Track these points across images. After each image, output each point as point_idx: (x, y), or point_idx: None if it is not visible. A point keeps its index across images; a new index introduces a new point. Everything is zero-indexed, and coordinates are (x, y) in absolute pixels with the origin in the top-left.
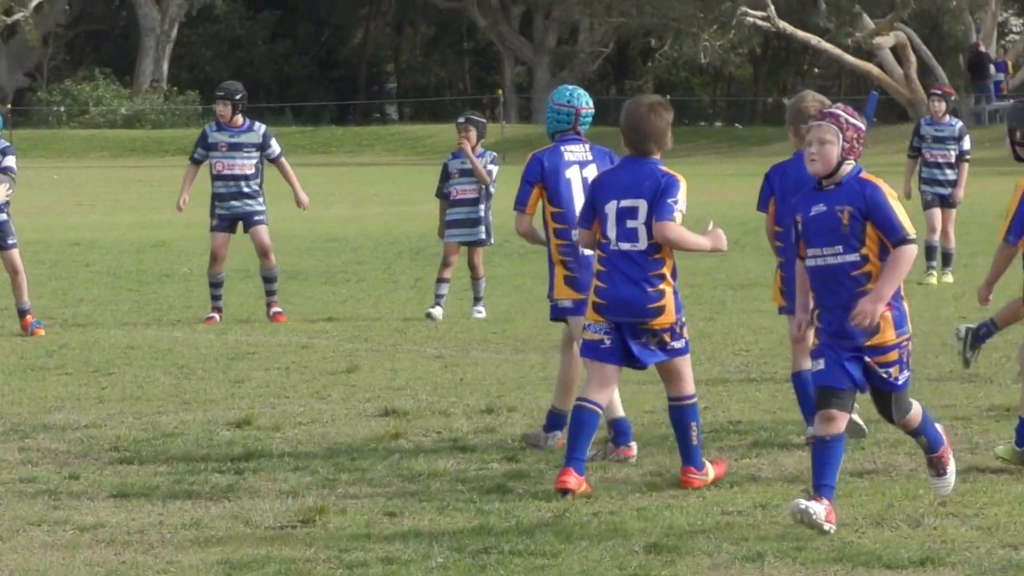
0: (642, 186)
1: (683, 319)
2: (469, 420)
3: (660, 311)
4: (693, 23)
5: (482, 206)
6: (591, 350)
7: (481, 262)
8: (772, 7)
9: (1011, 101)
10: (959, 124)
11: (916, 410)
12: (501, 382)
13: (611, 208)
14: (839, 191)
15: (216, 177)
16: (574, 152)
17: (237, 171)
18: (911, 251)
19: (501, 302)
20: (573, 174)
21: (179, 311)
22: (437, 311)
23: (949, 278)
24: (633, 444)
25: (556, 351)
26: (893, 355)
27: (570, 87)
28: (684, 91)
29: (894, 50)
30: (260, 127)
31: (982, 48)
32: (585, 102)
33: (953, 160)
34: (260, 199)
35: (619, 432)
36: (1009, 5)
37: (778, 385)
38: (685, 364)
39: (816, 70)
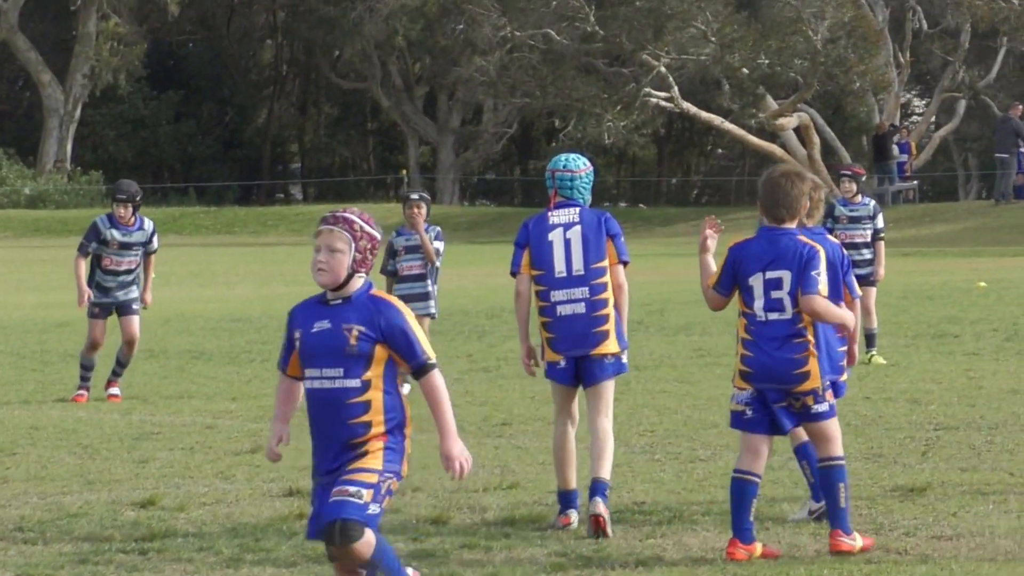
0: (786, 258)
1: (827, 383)
2: None
3: (806, 376)
4: (597, 104)
5: (429, 280)
6: (737, 420)
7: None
8: (676, 88)
9: (914, 182)
10: (872, 203)
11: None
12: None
13: (757, 281)
14: (347, 307)
15: (103, 270)
16: (561, 216)
17: (123, 267)
18: (440, 378)
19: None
20: (556, 236)
21: None
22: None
23: (880, 359)
24: (572, 513)
25: (459, 431)
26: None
27: (566, 154)
28: None
29: (797, 131)
30: (149, 224)
31: (885, 129)
32: (582, 164)
33: (869, 239)
34: (136, 286)
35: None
36: (912, 86)
37: (683, 465)
38: (831, 426)
39: (720, 151)
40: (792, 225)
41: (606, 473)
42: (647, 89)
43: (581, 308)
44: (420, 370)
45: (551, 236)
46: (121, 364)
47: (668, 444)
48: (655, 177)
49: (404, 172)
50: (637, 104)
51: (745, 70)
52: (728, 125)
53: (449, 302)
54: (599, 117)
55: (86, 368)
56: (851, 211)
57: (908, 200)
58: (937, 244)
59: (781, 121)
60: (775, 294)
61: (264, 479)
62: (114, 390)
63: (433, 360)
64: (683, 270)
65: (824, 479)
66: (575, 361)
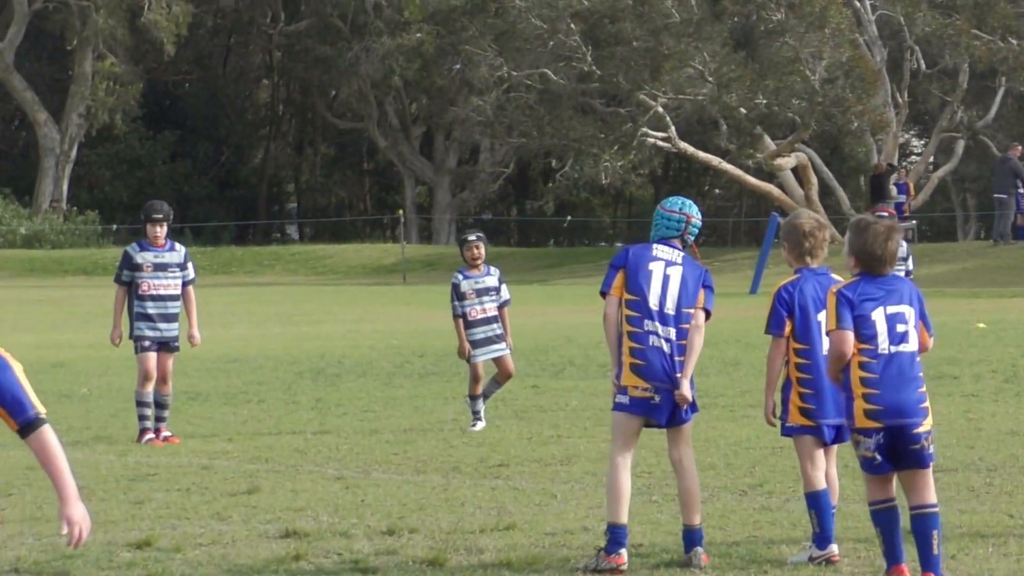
0: (903, 294)
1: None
2: (370, 542)
3: (927, 411)
4: (594, 143)
5: (499, 323)
6: (867, 466)
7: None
8: (673, 128)
9: (912, 222)
10: (905, 244)
11: None
12: (402, 503)
13: (879, 315)
14: None
15: (143, 297)
16: (665, 252)
17: (163, 291)
18: (52, 434)
19: (402, 422)
20: (656, 267)
21: (79, 431)
22: (480, 425)
23: None
24: (624, 552)
25: (456, 472)
26: None
27: (680, 197)
28: (585, 212)
29: (795, 171)
30: (181, 248)
31: (883, 169)
32: (696, 212)
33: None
34: (178, 324)
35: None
36: (910, 126)
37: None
38: (931, 472)
39: (717, 191)
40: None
41: (699, 519)
42: (644, 129)
43: (666, 347)
44: (29, 426)
45: (651, 266)
46: (161, 405)
47: (665, 486)
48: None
49: (400, 212)
50: (634, 144)
51: (742, 110)
52: (725, 165)
53: (445, 342)
54: (596, 157)
55: (143, 406)
56: None
57: (907, 240)
58: (935, 284)
59: (779, 161)
60: (900, 327)
61: (260, 520)
62: (167, 433)
63: (43, 415)
64: None
65: (921, 525)
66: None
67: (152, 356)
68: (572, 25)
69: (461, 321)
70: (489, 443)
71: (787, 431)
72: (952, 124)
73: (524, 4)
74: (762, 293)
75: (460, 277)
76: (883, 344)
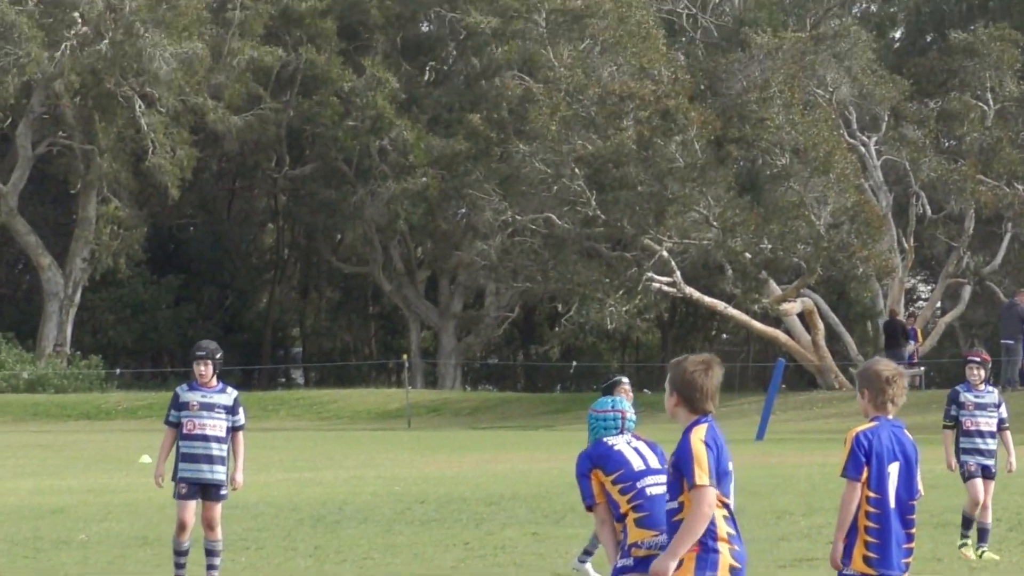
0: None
1: None
2: None
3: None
4: (599, 288)
5: None
6: None
7: None
8: (678, 273)
9: (921, 368)
10: (996, 390)
11: None
12: None
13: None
14: None
15: (186, 436)
16: (617, 440)
17: (208, 431)
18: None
19: (401, 570)
20: (621, 445)
21: None
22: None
23: (993, 555)
24: None
25: None
26: None
27: (609, 397)
28: (591, 356)
29: (801, 316)
30: (232, 391)
31: (899, 316)
32: (628, 406)
33: (994, 428)
34: (225, 468)
35: None
36: (916, 272)
37: None
38: None
39: (724, 336)
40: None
41: None
42: (649, 273)
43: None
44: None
45: (618, 446)
46: (211, 553)
47: None
48: (659, 362)
49: (405, 357)
50: (639, 289)
51: (748, 254)
52: (731, 310)
53: (448, 489)
54: (601, 302)
55: (179, 554)
56: (977, 397)
57: (915, 387)
58: (938, 430)
59: (785, 306)
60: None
61: None
62: None
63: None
64: None
65: None
66: None
67: (190, 505)
68: (576, 170)
69: None
70: None
71: None
72: (958, 269)
73: (528, 149)
74: (768, 439)
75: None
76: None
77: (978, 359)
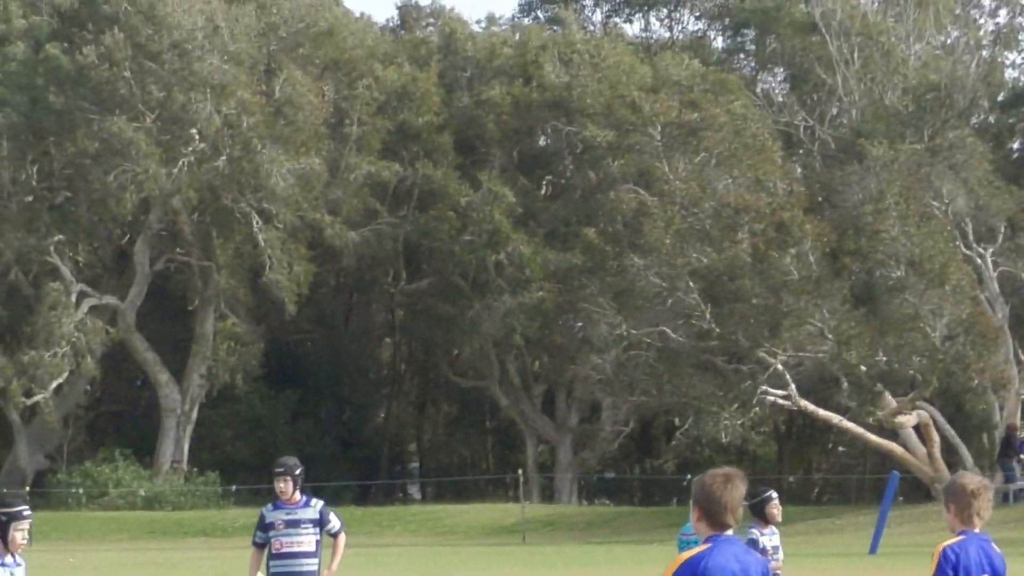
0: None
1: None
2: None
3: None
4: (713, 401)
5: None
6: None
7: None
8: (793, 386)
9: None
10: None
11: None
12: None
13: None
14: None
15: (276, 555)
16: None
17: (296, 548)
18: None
19: None
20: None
21: None
22: None
23: None
24: None
25: None
26: None
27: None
28: (708, 469)
29: (917, 428)
30: (317, 503)
31: (1016, 428)
32: None
33: None
34: (317, 573)
35: None
36: None
37: None
38: None
39: (841, 448)
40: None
41: None
42: (764, 387)
43: None
44: None
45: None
46: None
47: None
48: (776, 475)
49: (520, 471)
50: (754, 402)
51: (863, 367)
52: (847, 423)
53: None
54: (716, 415)
55: None
56: None
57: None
58: None
59: (900, 419)
60: None
61: None
62: None
63: None
64: (798, 571)
65: None
66: None
67: None
68: (691, 283)
69: None
70: None
71: None
72: None
73: (643, 262)
74: (882, 553)
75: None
76: None
77: None
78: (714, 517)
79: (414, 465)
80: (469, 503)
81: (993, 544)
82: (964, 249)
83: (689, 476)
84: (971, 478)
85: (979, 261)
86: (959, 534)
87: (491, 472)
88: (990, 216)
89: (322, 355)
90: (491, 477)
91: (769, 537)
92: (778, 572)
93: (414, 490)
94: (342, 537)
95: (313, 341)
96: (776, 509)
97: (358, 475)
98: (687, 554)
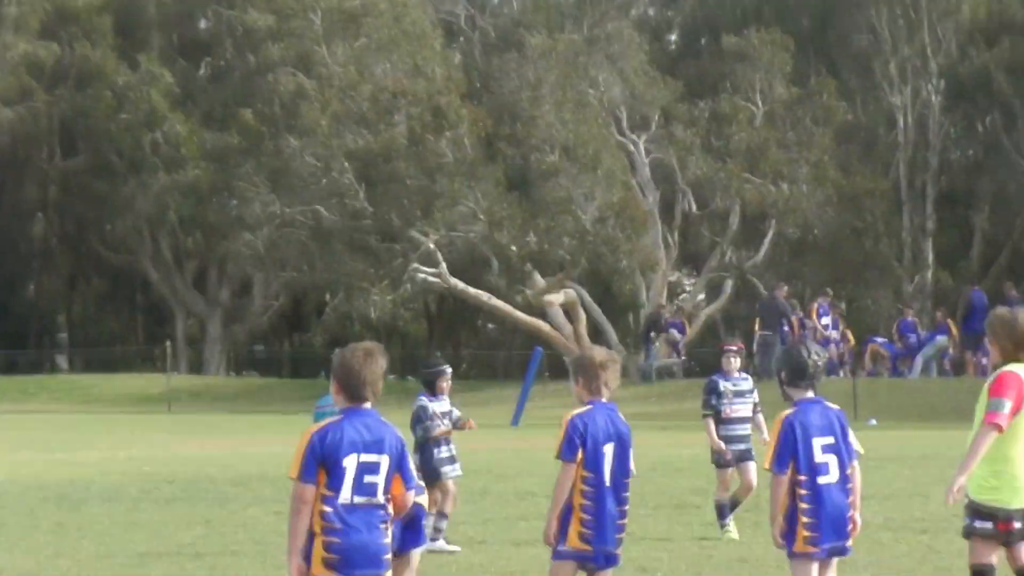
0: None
1: None
2: None
3: None
4: (364, 279)
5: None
6: None
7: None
8: (444, 265)
9: (682, 358)
10: (751, 377)
11: None
12: None
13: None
14: None
15: None
16: None
17: None
18: None
19: (139, 547)
20: None
21: None
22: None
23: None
24: None
25: None
26: None
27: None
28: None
29: (564, 308)
30: None
31: (663, 309)
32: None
33: (750, 413)
34: None
35: None
36: (680, 266)
37: None
38: None
39: (490, 326)
40: None
41: None
42: (415, 265)
43: None
44: None
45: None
46: None
47: None
48: (425, 351)
49: (168, 344)
50: (405, 280)
51: (514, 248)
52: (496, 301)
53: (197, 469)
54: (366, 292)
55: None
56: (735, 385)
57: (671, 376)
58: (695, 418)
59: (548, 298)
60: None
61: None
62: None
63: None
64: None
65: None
66: None
67: None
68: (346, 164)
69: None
70: (221, 567)
71: (559, 555)
72: (721, 264)
73: (299, 144)
74: (523, 425)
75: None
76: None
77: (734, 348)
78: (352, 390)
79: (62, 335)
80: (116, 373)
81: (619, 413)
82: (617, 136)
83: (337, 350)
84: (599, 351)
85: (632, 148)
86: (587, 404)
87: (141, 344)
88: (644, 105)
89: None
90: (140, 348)
91: (439, 402)
92: (449, 435)
93: (61, 360)
94: None
95: None
96: (446, 383)
97: (5, 346)
98: (320, 424)
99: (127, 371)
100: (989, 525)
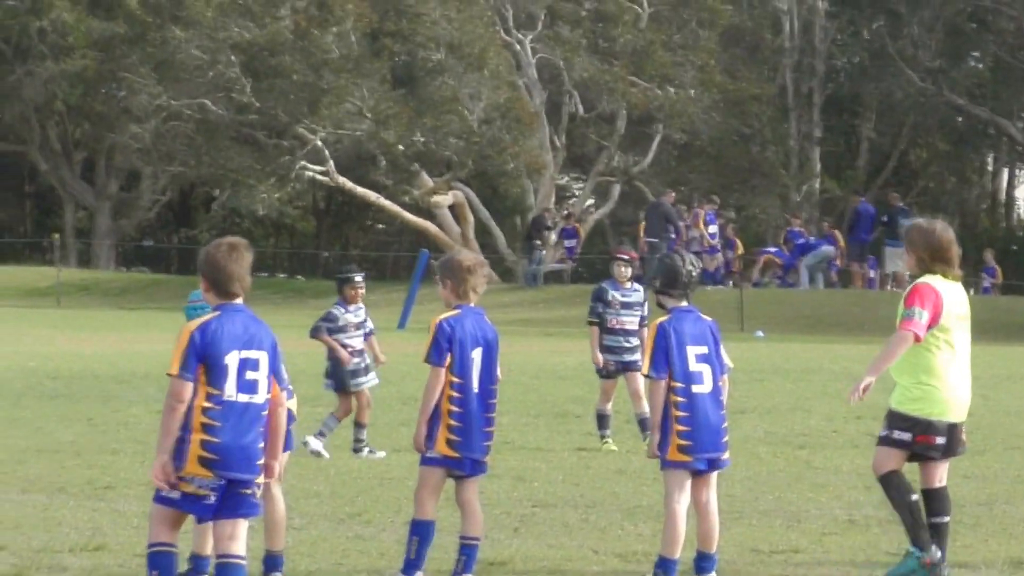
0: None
1: None
2: None
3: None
4: (251, 175)
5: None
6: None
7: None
8: (332, 162)
9: (571, 263)
10: (642, 288)
11: None
12: None
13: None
14: None
15: None
16: None
17: None
18: None
19: (20, 443)
20: None
21: None
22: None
23: (614, 447)
24: None
25: (61, 493)
26: None
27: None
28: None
29: (452, 209)
30: None
31: (549, 211)
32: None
33: (638, 326)
34: None
35: None
36: (569, 169)
37: None
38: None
39: (380, 226)
40: None
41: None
42: (302, 162)
43: None
44: None
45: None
46: None
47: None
48: (313, 249)
49: (55, 236)
50: (292, 176)
51: (400, 147)
52: (383, 201)
53: (82, 366)
54: (253, 188)
55: None
56: (624, 296)
57: (559, 281)
58: (581, 325)
59: (435, 199)
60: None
61: None
62: None
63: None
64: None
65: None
66: None
67: None
68: (232, 57)
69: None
70: (100, 465)
71: (427, 461)
72: (608, 168)
73: (185, 35)
74: (410, 328)
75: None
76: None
77: (626, 257)
78: (221, 286)
79: None
80: (5, 265)
81: (486, 318)
82: (504, 35)
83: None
84: (467, 255)
85: (518, 47)
86: (455, 308)
87: (29, 236)
88: (530, 3)
89: None
90: (28, 240)
91: (354, 313)
92: (374, 347)
93: None
94: None
95: None
96: (355, 291)
97: None
98: (198, 321)
99: (15, 262)
100: (907, 436)
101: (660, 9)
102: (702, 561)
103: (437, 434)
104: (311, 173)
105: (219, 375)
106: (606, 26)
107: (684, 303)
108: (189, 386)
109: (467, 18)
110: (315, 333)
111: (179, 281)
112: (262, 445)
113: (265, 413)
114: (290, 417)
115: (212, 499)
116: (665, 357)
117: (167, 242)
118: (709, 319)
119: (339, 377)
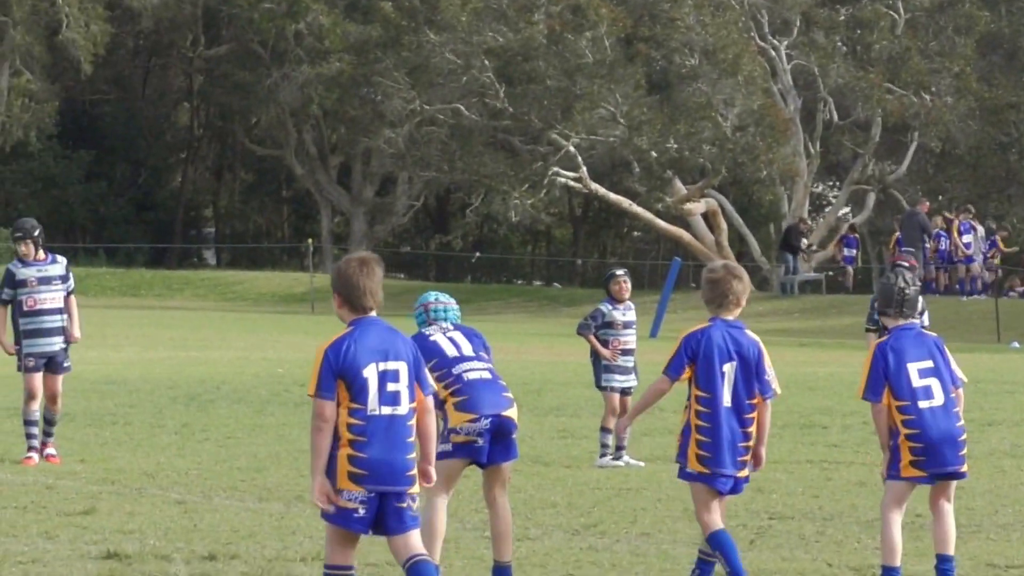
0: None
1: None
2: (188, 566)
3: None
4: (504, 181)
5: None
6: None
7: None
8: (584, 168)
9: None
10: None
11: None
12: (234, 530)
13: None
14: None
15: (28, 313)
16: (432, 331)
17: (47, 304)
18: None
19: (261, 450)
20: (436, 335)
21: None
22: (609, 461)
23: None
24: None
25: (298, 501)
26: None
27: (429, 292)
28: (503, 249)
29: (706, 217)
30: (62, 259)
31: (803, 220)
32: (434, 297)
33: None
34: (63, 338)
35: None
36: (823, 178)
37: (513, 545)
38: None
39: (636, 234)
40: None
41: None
42: (555, 168)
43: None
44: None
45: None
46: (49, 422)
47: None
48: (570, 257)
49: (310, 241)
50: (544, 183)
51: (654, 153)
52: (636, 208)
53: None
54: (506, 194)
55: (29, 424)
56: (623, 315)
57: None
58: (839, 336)
59: (688, 206)
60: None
61: (87, 541)
62: (50, 451)
63: None
64: (573, 350)
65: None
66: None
67: (38, 376)
68: (486, 62)
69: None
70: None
71: (683, 476)
72: (863, 176)
73: (439, 39)
74: (662, 337)
75: (610, 306)
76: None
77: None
78: (354, 301)
79: (209, 230)
80: (260, 271)
81: (747, 331)
82: (758, 41)
83: (477, 253)
84: (720, 268)
85: (773, 54)
86: (709, 321)
87: (286, 241)
88: (785, 10)
89: (118, 117)
90: (286, 246)
91: (623, 312)
92: (630, 347)
93: (209, 255)
94: (73, 298)
95: (109, 103)
96: (618, 286)
97: (153, 239)
98: (328, 341)
99: (272, 268)
100: None
101: (916, 15)
102: (941, 564)
103: (688, 450)
104: (564, 179)
105: (359, 390)
106: (862, 32)
107: (902, 321)
108: (330, 405)
109: (721, 24)
110: (580, 331)
111: (432, 288)
112: (412, 456)
113: (411, 423)
114: (511, 425)
115: (362, 512)
116: (882, 380)
117: (425, 248)
118: (933, 335)
119: (597, 374)
